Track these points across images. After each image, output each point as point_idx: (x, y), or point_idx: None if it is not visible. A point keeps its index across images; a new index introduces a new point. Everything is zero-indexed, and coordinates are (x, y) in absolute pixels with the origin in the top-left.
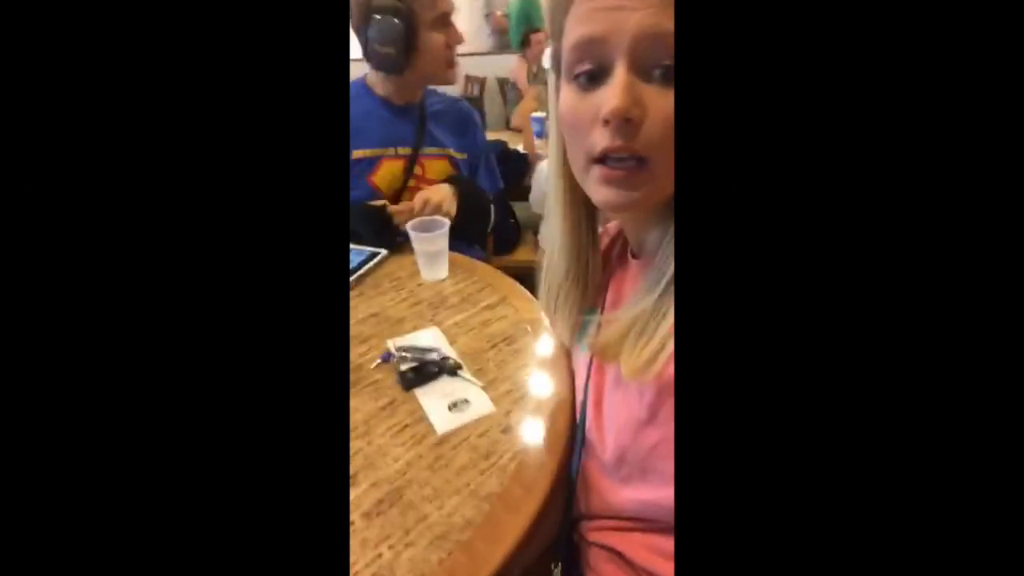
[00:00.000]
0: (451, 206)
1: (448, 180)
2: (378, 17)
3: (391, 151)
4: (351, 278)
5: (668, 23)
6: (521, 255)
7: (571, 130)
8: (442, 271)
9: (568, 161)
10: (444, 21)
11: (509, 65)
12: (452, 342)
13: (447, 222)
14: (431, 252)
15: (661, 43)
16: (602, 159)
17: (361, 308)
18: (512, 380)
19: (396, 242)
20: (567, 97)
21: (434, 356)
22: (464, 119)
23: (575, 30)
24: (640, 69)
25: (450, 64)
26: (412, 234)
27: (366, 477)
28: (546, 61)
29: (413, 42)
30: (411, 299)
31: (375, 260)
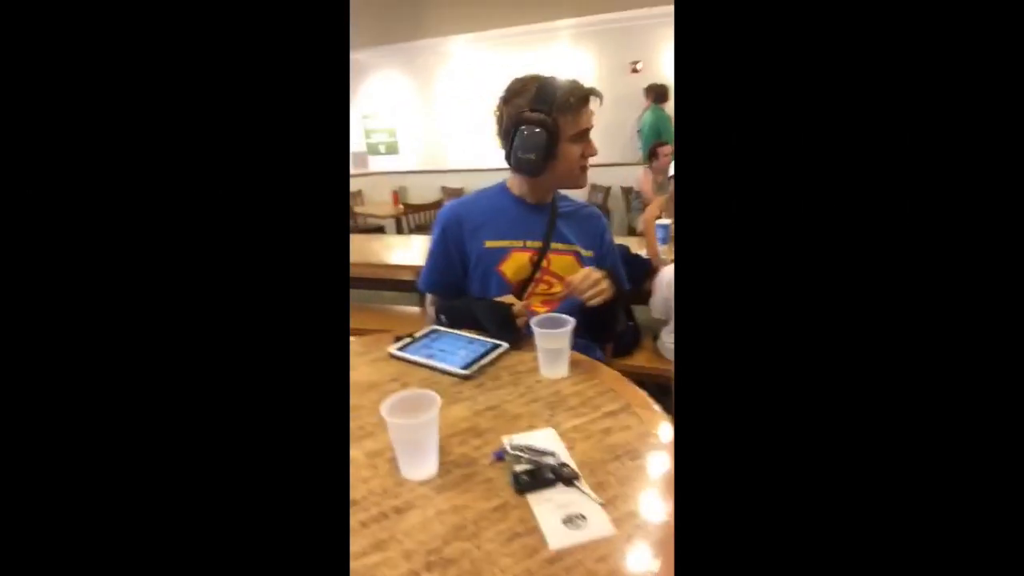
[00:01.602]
0: (609, 289)
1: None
2: (526, 131)
3: (520, 243)
4: (472, 368)
5: None
6: (638, 359)
7: None
8: (563, 369)
9: None
10: (583, 136)
11: (633, 175)
12: (570, 447)
13: (572, 320)
14: (553, 349)
15: None
16: None
17: (479, 399)
18: (635, 501)
19: (519, 338)
20: None
21: (550, 460)
22: (592, 221)
23: None
24: None
25: (583, 171)
26: (536, 330)
27: None
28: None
29: (553, 151)
30: (529, 395)
31: (496, 352)
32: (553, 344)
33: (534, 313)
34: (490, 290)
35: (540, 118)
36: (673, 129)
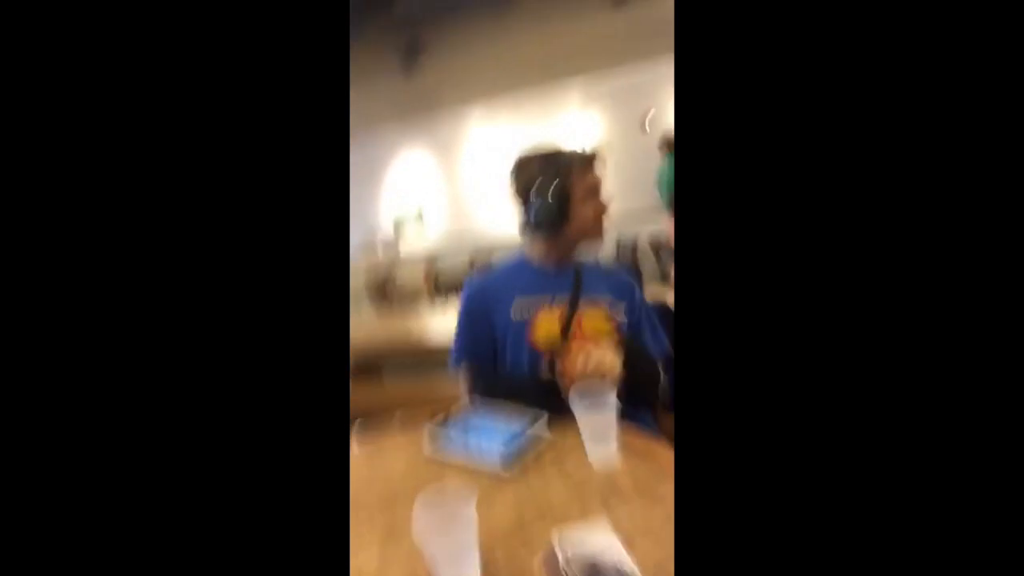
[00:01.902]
0: (615, 363)
1: (610, 340)
2: (537, 199)
3: (548, 299)
4: (512, 457)
5: None
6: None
7: None
8: (610, 447)
9: None
10: (593, 193)
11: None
12: (629, 545)
13: (611, 392)
14: (598, 424)
15: None
16: None
17: (521, 489)
18: None
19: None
20: None
21: (609, 564)
22: (621, 281)
23: None
24: None
25: (599, 228)
26: (575, 403)
27: None
28: None
29: (566, 213)
30: (574, 478)
31: (537, 430)
32: (597, 417)
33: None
34: (522, 364)
35: (548, 186)
36: None
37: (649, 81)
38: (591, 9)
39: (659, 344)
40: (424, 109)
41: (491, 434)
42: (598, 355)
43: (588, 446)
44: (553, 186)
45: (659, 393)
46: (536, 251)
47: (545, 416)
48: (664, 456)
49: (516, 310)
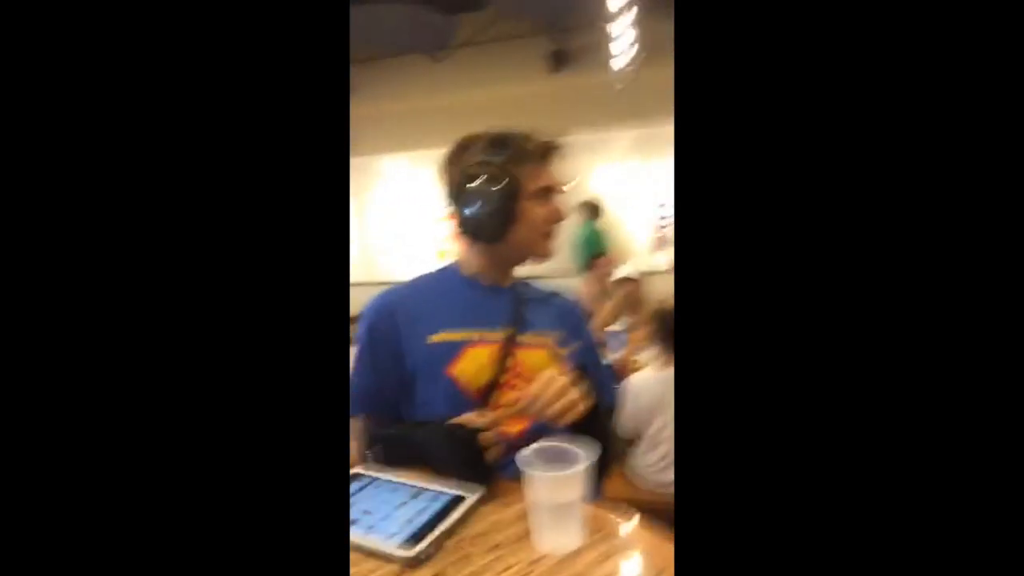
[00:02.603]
0: (582, 401)
1: (572, 368)
2: (478, 187)
3: (477, 335)
4: (421, 544)
5: None
6: (608, 491)
7: None
8: (574, 536)
9: None
10: (548, 194)
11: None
12: None
13: (584, 454)
14: (559, 504)
15: None
16: None
17: None
18: None
19: (492, 479)
20: None
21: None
22: (567, 310)
23: None
24: None
25: (549, 238)
26: (528, 472)
27: None
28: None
29: (512, 211)
30: (517, 574)
31: (459, 510)
32: (559, 494)
33: (506, 437)
34: (437, 405)
35: (494, 171)
36: (604, 242)
37: (580, 146)
38: (529, 70)
39: (608, 393)
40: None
41: (388, 516)
42: (561, 382)
43: (541, 536)
44: (498, 179)
45: (609, 458)
46: (469, 263)
47: (473, 496)
48: (637, 535)
49: (436, 335)
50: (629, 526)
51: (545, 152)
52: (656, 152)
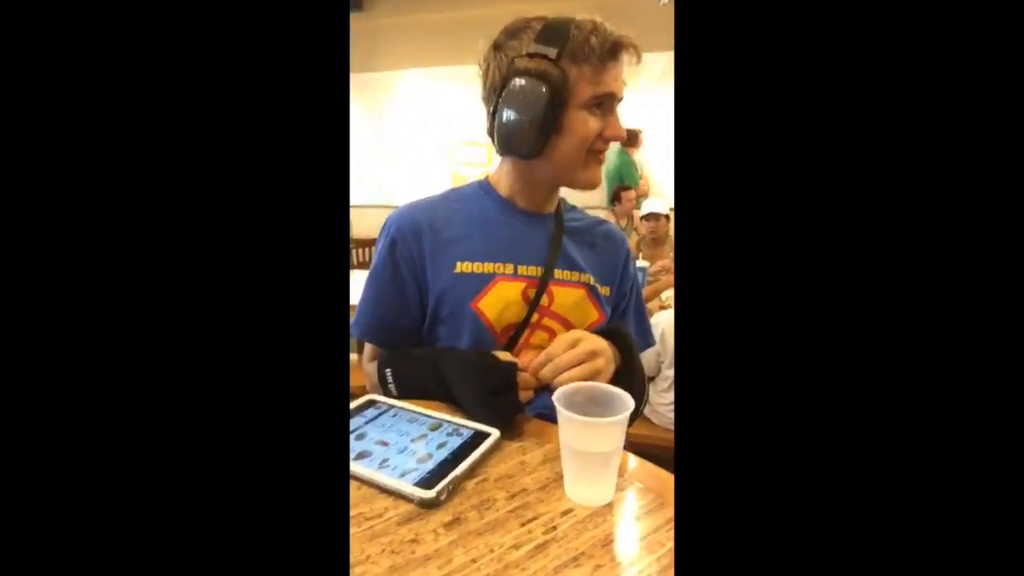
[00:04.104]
0: (609, 367)
1: (603, 331)
2: (520, 81)
3: (510, 268)
4: (439, 486)
5: None
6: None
7: None
8: (608, 488)
9: None
10: (606, 104)
11: None
12: None
13: (630, 400)
14: (598, 453)
15: None
16: None
17: (456, 551)
18: None
19: (516, 419)
20: None
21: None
22: (613, 242)
23: None
24: None
25: (596, 163)
26: (564, 413)
27: None
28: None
29: (558, 119)
30: (544, 527)
31: (479, 450)
32: (600, 443)
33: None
34: (461, 339)
35: (542, 66)
36: (637, 174)
37: None
38: None
39: (643, 336)
40: (357, 68)
41: (403, 450)
42: (593, 345)
43: (574, 485)
44: (548, 77)
45: (639, 414)
46: (504, 182)
47: (496, 434)
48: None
49: (464, 263)
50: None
51: (612, 51)
52: None
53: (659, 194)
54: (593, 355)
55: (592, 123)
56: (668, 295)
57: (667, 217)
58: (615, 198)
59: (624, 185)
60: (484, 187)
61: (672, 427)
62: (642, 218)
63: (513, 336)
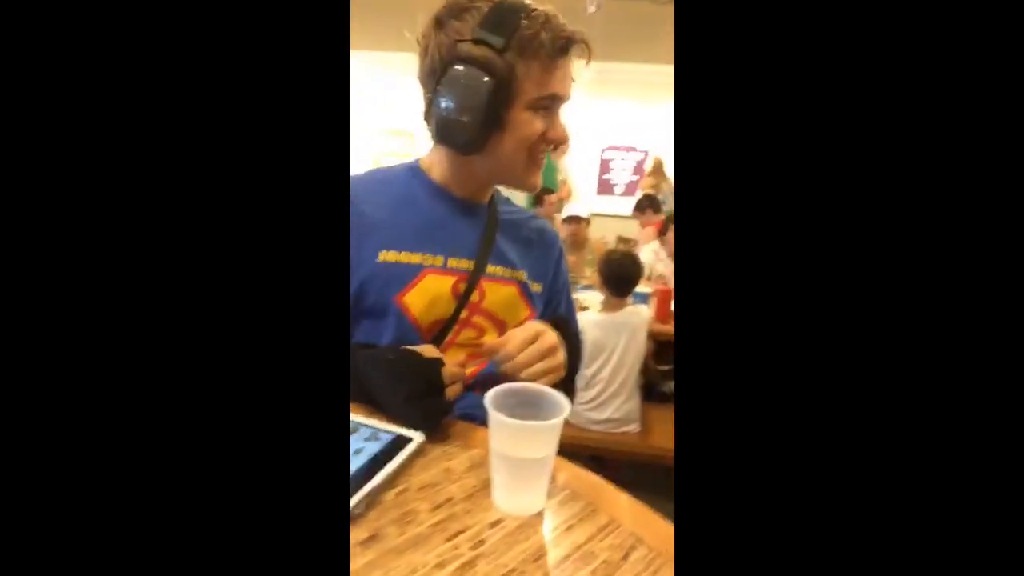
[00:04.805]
0: (563, 366)
1: (554, 321)
2: (461, 68)
3: (439, 261)
4: (356, 497)
5: None
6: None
7: None
8: (539, 496)
9: None
10: (551, 104)
11: None
12: None
13: (566, 402)
14: (528, 459)
15: None
16: None
17: (376, 568)
18: None
19: (441, 421)
20: None
21: None
22: (546, 240)
23: None
24: None
25: (536, 162)
26: (496, 416)
27: None
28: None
29: (501, 115)
30: (471, 541)
31: (400, 456)
32: (532, 449)
33: (467, 377)
34: (383, 335)
35: (487, 56)
36: (559, 178)
37: None
38: None
39: (575, 344)
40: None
41: None
42: (553, 339)
43: (502, 493)
44: (492, 68)
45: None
46: (438, 168)
47: (420, 437)
48: (615, 499)
49: (389, 252)
50: (598, 489)
51: (563, 49)
52: (609, 92)
53: (578, 199)
54: (554, 350)
55: (537, 123)
56: (584, 297)
57: (587, 221)
58: (538, 201)
59: (546, 188)
60: (414, 170)
61: (589, 427)
62: (563, 221)
63: (439, 333)
